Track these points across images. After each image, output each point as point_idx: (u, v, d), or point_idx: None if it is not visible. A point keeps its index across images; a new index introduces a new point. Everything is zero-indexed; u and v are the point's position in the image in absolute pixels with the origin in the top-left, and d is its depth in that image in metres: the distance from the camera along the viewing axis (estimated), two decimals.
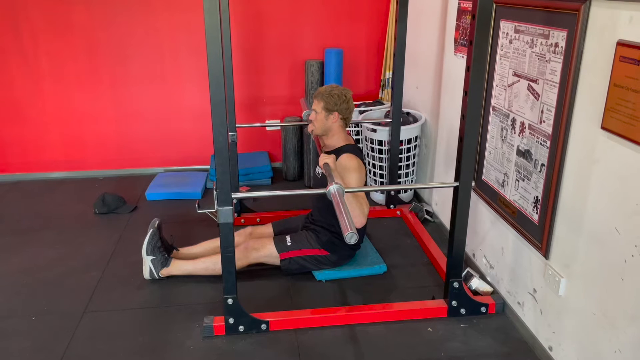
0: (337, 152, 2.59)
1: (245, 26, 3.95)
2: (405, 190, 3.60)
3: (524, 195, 2.20)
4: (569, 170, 1.89)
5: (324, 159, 2.31)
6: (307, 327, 2.32)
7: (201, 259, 2.66)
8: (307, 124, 3.79)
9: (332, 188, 1.98)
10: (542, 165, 2.04)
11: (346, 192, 2.56)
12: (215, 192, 2.04)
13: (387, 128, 3.34)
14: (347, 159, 2.54)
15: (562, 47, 1.87)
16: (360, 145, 3.59)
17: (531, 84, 2.09)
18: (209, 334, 2.27)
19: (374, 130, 3.43)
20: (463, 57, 2.81)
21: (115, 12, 3.79)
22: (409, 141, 3.41)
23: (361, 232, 2.73)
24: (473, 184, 2.23)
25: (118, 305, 2.50)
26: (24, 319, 2.40)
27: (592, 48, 1.73)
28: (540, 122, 2.03)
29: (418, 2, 3.44)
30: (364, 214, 2.52)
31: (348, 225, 1.74)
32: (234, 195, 2.06)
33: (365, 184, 2.71)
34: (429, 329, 2.31)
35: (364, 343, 2.23)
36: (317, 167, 2.77)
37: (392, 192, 3.45)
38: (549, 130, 1.97)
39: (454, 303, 2.37)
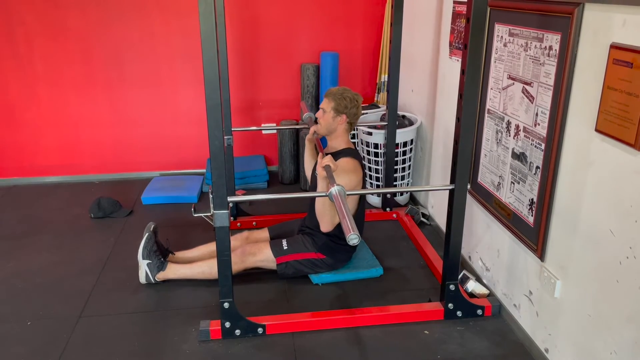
0: (337, 155, 2.59)
1: (241, 30, 3.95)
2: (401, 193, 3.61)
3: (519, 197, 2.20)
4: (564, 173, 1.90)
5: (325, 161, 2.28)
6: (304, 331, 2.31)
7: (197, 263, 2.65)
8: (304, 127, 3.80)
9: (333, 190, 1.99)
10: (537, 167, 2.05)
11: (348, 194, 2.57)
12: (211, 196, 2.04)
13: (382, 131, 3.35)
14: (345, 162, 2.54)
15: (556, 50, 1.88)
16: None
17: (526, 86, 2.10)
18: (205, 338, 2.26)
19: (370, 134, 3.44)
20: (458, 60, 2.82)
21: (111, 16, 3.79)
22: (405, 144, 3.42)
23: (359, 232, 2.73)
24: (468, 186, 2.23)
25: (114, 309, 2.49)
26: (19, 323, 2.39)
27: (586, 51, 1.74)
28: (535, 125, 2.04)
29: (413, 6, 3.45)
30: (333, 222, 2.51)
31: (350, 227, 1.74)
32: (229, 198, 2.06)
33: (363, 187, 2.71)
34: (426, 331, 2.32)
35: (361, 346, 2.23)
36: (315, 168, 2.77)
37: (388, 195, 3.46)
38: (544, 132, 1.98)
39: (450, 305, 2.37)
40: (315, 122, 2.76)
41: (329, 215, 2.48)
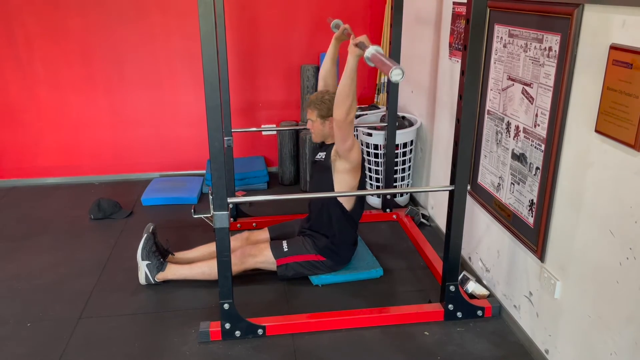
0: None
1: (241, 31, 3.96)
2: (401, 194, 3.61)
3: (519, 198, 2.20)
4: (564, 174, 1.90)
5: (360, 38, 2.21)
6: (304, 332, 2.31)
7: (197, 264, 2.65)
8: (303, 129, 3.80)
9: (370, 49, 1.97)
10: (537, 168, 2.05)
11: (350, 194, 2.56)
12: (211, 197, 2.04)
13: (382, 132, 3.35)
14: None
15: (555, 51, 1.88)
16: None
17: (525, 87, 2.10)
18: (205, 339, 2.26)
19: (370, 135, 3.44)
20: (458, 61, 2.82)
21: (110, 18, 3.79)
22: (405, 145, 3.42)
23: (353, 233, 2.74)
24: (468, 187, 2.23)
25: (114, 310, 2.49)
26: (19, 325, 2.39)
27: (586, 52, 1.74)
28: (535, 126, 2.04)
29: (413, 7, 3.45)
30: (349, 111, 2.31)
31: (391, 63, 1.72)
32: (229, 199, 2.06)
33: (364, 188, 2.70)
34: (426, 332, 2.31)
35: (361, 347, 2.23)
36: (319, 153, 2.75)
37: (388, 196, 3.46)
38: (544, 133, 1.98)
39: (450, 306, 2.37)
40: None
41: (349, 101, 2.28)
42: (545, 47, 1.94)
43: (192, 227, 3.28)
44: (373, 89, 4.24)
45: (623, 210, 1.60)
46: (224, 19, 2.96)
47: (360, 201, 2.70)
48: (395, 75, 1.69)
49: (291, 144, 3.98)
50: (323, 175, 2.62)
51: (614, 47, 1.59)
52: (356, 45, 2.19)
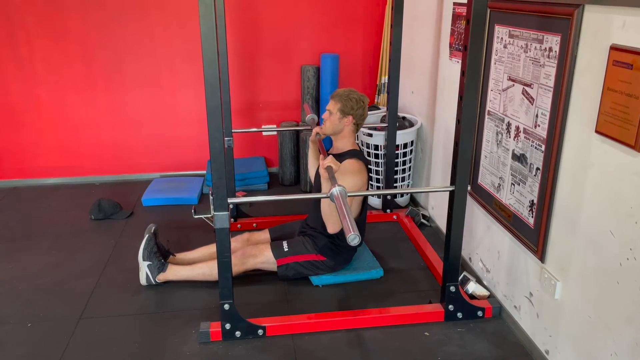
0: (341, 156, 2.59)
1: (241, 31, 3.96)
2: (402, 195, 3.61)
3: (519, 199, 2.20)
4: (564, 174, 1.90)
5: (327, 162, 2.27)
6: (304, 332, 2.31)
7: (198, 265, 2.65)
8: (305, 129, 3.81)
9: (334, 190, 1.99)
10: (537, 169, 2.05)
11: (349, 195, 2.57)
12: (211, 198, 2.04)
13: (383, 133, 3.35)
14: (348, 164, 2.54)
15: (556, 51, 1.88)
16: None
17: (526, 88, 2.10)
18: (205, 340, 2.26)
19: (370, 135, 3.44)
20: (458, 61, 2.82)
21: (111, 18, 3.79)
22: (405, 145, 3.42)
23: (360, 234, 2.74)
24: (469, 188, 2.23)
25: (114, 311, 2.49)
26: (20, 325, 2.39)
27: (586, 52, 1.74)
28: (535, 126, 2.04)
29: (413, 8, 3.45)
30: (340, 224, 2.43)
31: (350, 227, 1.75)
32: (230, 200, 2.07)
33: (367, 189, 2.71)
34: (426, 333, 2.32)
35: (361, 348, 2.23)
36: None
37: (389, 197, 3.46)
38: (544, 134, 1.98)
39: (450, 307, 2.37)
40: (318, 123, 2.73)
41: (335, 217, 2.45)
42: (545, 48, 1.94)
43: (193, 228, 3.28)
44: (373, 90, 4.24)
45: (623, 211, 1.60)
46: (225, 19, 2.96)
47: (365, 208, 2.70)
48: (351, 240, 1.75)
49: (291, 145, 3.98)
50: None
51: (614, 48, 1.59)
52: (326, 168, 2.24)
